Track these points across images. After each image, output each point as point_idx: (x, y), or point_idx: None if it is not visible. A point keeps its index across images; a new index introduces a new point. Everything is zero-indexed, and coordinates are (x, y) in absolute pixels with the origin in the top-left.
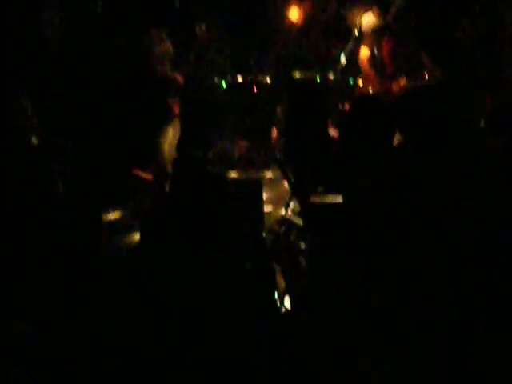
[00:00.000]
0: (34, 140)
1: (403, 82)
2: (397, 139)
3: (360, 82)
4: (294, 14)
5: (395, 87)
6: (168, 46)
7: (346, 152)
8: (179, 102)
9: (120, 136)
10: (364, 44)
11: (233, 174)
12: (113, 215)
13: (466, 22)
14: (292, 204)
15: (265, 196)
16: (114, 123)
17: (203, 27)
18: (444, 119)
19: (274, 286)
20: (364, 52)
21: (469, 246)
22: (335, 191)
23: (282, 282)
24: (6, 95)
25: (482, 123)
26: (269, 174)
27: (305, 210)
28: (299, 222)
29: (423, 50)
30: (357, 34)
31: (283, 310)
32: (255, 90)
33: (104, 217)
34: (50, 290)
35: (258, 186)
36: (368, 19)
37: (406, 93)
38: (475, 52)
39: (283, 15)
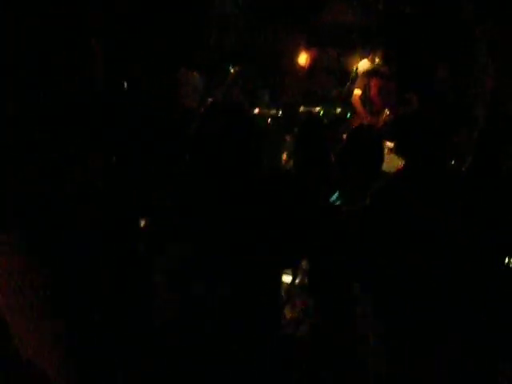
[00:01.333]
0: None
1: (386, 116)
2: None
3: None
4: (303, 58)
5: (380, 121)
6: (197, 83)
7: (343, 173)
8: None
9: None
10: (356, 85)
11: None
12: None
13: (443, 66)
14: None
15: None
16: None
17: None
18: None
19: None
20: (356, 92)
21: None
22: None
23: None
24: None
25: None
26: None
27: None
28: None
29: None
30: (354, 76)
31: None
32: (269, 121)
33: None
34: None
35: None
36: (363, 64)
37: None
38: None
39: (294, 60)
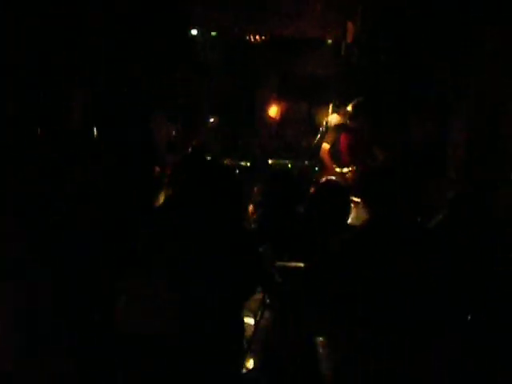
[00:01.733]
0: None
1: (354, 169)
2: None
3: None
4: (274, 111)
5: (348, 175)
6: (170, 130)
7: (310, 225)
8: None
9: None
10: (325, 139)
11: None
12: None
13: (414, 123)
14: None
15: None
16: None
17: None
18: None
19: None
20: (325, 145)
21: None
22: (298, 258)
23: None
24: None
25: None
26: None
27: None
28: None
29: (375, 144)
30: (324, 129)
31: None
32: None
33: None
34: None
35: None
36: (333, 118)
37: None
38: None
39: (265, 112)
